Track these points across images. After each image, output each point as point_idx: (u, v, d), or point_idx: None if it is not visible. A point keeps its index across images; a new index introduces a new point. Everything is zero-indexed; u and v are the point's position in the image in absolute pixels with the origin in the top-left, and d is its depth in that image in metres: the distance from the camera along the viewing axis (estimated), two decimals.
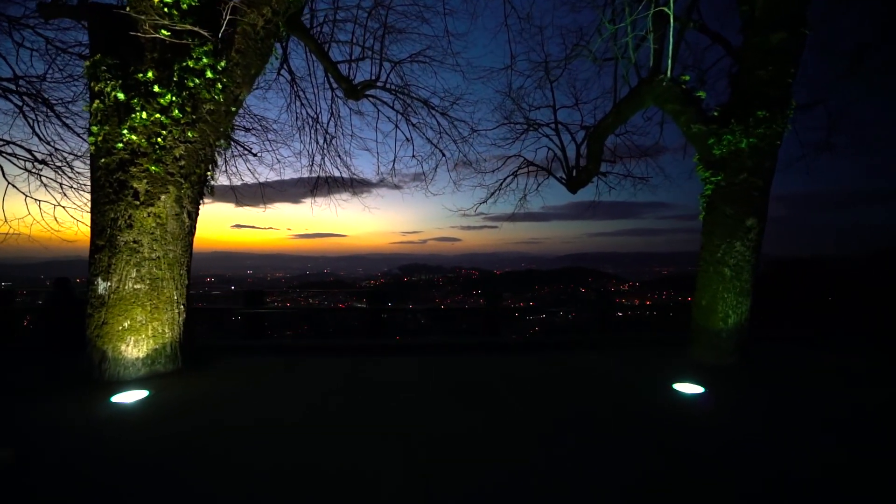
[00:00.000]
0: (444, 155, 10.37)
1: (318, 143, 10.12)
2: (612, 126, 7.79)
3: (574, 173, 9.38)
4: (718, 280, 5.98)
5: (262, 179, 10.08)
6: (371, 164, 10.58)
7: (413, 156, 10.42)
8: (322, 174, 10.34)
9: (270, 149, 11.41)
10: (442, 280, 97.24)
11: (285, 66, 9.70)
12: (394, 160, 10.47)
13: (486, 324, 9.16)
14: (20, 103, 7.85)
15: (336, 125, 10.24)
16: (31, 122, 7.90)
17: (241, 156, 10.03)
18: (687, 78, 6.37)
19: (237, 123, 9.69)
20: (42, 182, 7.95)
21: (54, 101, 7.92)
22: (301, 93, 9.81)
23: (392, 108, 9.89)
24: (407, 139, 10.19)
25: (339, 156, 10.22)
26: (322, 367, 5.82)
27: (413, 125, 10.04)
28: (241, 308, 8.85)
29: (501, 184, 10.46)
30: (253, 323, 8.71)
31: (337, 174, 10.27)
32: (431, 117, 9.97)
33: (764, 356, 6.39)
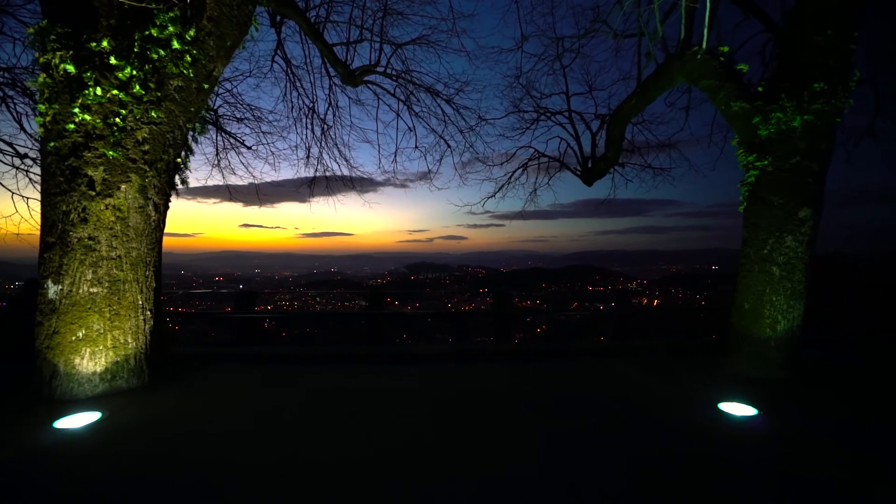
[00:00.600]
0: (448, 146, 9.54)
1: (314, 134, 9.35)
2: (635, 108, 7.01)
3: (589, 164, 8.63)
4: (765, 280, 5.18)
5: (256, 173, 9.74)
6: (372, 157, 9.67)
7: (416, 147, 9.55)
8: (319, 168, 9.58)
9: (266, 142, 10.85)
10: (448, 279, 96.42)
11: (279, 53, 9.01)
12: (395, 151, 9.70)
13: (496, 328, 8.43)
14: (2, 95, 7.30)
15: (334, 115, 9.52)
16: (16, 115, 7.34)
17: (233, 148, 9.31)
18: (726, 49, 5.56)
19: (227, 113, 9.02)
20: (30, 179, 7.34)
21: None
22: (297, 81, 9.10)
23: (393, 95, 9.15)
24: (409, 129, 9.50)
25: (338, 147, 9.55)
26: (309, 382, 5.10)
27: (416, 114, 9.29)
28: (231, 312, 8.16)
29: (511, 176, 9.69)
30: (244, 328, 8.02)
31: (335, 168, 9.61)
32: (436, 105, 9.24)
33: (813, 365, 5.58)
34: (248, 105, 9.18)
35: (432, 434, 3.59)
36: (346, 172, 9.57)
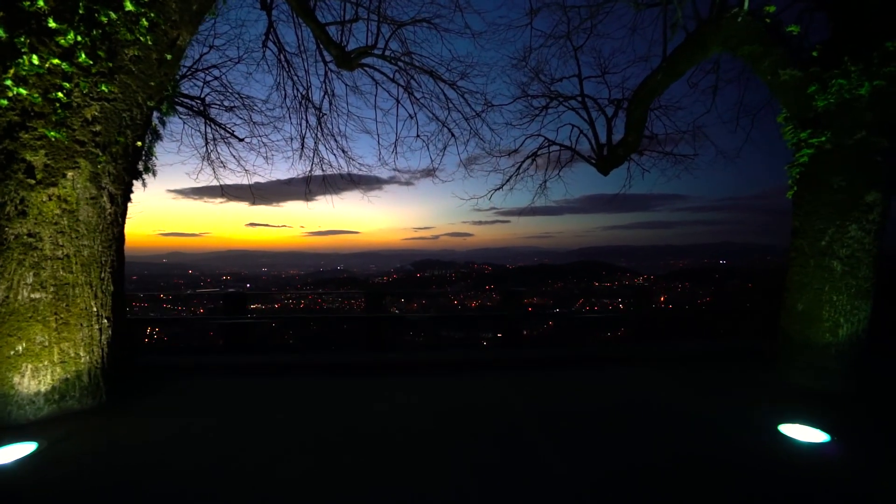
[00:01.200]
0: (453, 135, 8.76)
1: (308, 123, 8.58)
2: (661, 84, 6.26)
3: (605, 151, 7.90)
4: (823, 277, 4.43)
5: (249, 167, 9.07)
6: (372, 149, 8.95)
7: (417, 136, 8.72)
8: (316, 161, 8.86)
9: (259, 134, 9.95)
10: (454, 275, 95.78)
11: (271, 38, 8.29)
12: (395, 141, 8.89)
13: (506, 332, 7.73)
14: None
15: (330, 104, 8.93)
16: None
17: (223, 140, 8.65)
18: (772, 9, 4.79)
19: (216, 102, 8.35)
20: None
21: None
22: (290, 68, 8.38)
23: (392, 80, 8.35)
24: (410, 116, 8.69)
25: (335, 138, 8.73)
26: (291, 398, 4.44)
27: (417, 100, 8.51)
28: (214, 318, 7.54)
29: (519, 167, 8.91)
30: (233, 334, 7.39)
31: (332, 160, 9.06)
32: (438, 90, 8.45)
33: (882, 377, 4.81)
34: (239, 94, 8.47)
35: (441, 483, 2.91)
36: (343, 164, 9.10)
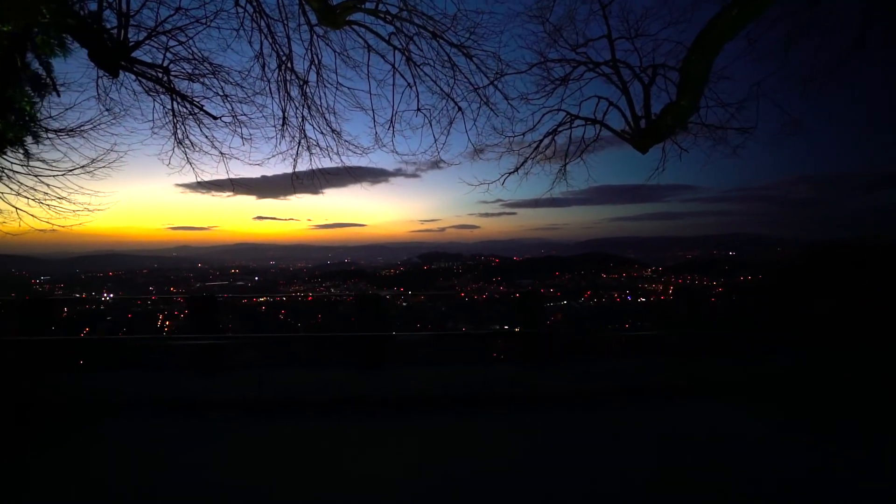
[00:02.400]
0: (459, 109, 7.28)
1: (290, 97, 6.94)
2: (736, 23, 4.92)
3: (643, 124, 6.61)
4: None
5: (225, 149, 7.12)
6: (367, 128, 7.52)
7: (418, 109, 7.18)
8: (302, 143, 7.36)
9: (238, 112, 7.77)
10: (461, 268, 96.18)
11: None
12: (392, 116, 7.25)
13: (526, 350, 7.05)
14: None
15: (318, 75, 6.99)
16: None
17: (193, 115, 7.03)
18: None
19: (182, 71, 6.74)
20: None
21: None
22: (270, 32, 6.91)
23: (388, 42, 6.82)
24: (409, 85, 7.07)
25: (324, 116, 7.17)
26: (247, 457, 3.80)
27: (417, 67, 7.05)
28: (175, 337, 6.94)
29: (538, 145, 7.66)
30: (198, 354, 6.74)
31: (320, 139, 7.33)
32: (443, 57, 6.96)
33: None
34: (208, 61, 6.80)
35: None
36: (332, 144, 7.31)
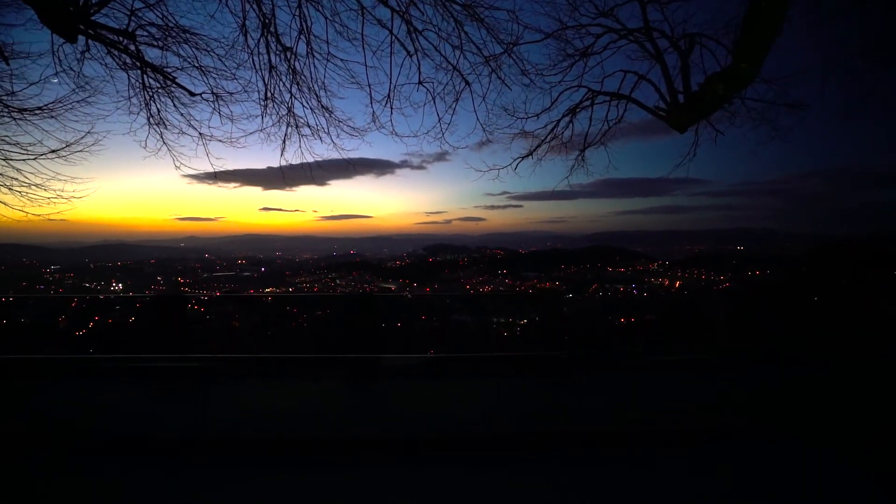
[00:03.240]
0: (467, 83, 6.00)
1: (276, 69, 5.72)
2: None
3: (680, 98, 5.46)
4: None
5: (204, 130, 6.08)
6: (362, 106, 6.25)
7: (420, 83, 5.92)
8: (290, 121, 6.22)
9: (227, 90, 6.29)
10: (467, 260, 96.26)
11: None
12: (390, 91, 5.94)
13: (544, 363, 5.94)
14: None
15: (308, 46, 5.68)
16: None
17: (163, 88, 5.84)
18: None
19: (145, 37, 5.47)
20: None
21: None
22: None
23: (385, 4, 5.50)
24: (409, 54, 5.77)
25: (315, 91, 6.00)
26: None
27: (418, 32, 5.76)
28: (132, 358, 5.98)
29: (556, 125, 6.69)
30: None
31: (309, 116, 6.16)
32: (448, 21, 5.67)
33: None
34: (183, 28, 5.56)
35: None
36: (323, 123, 6.22)
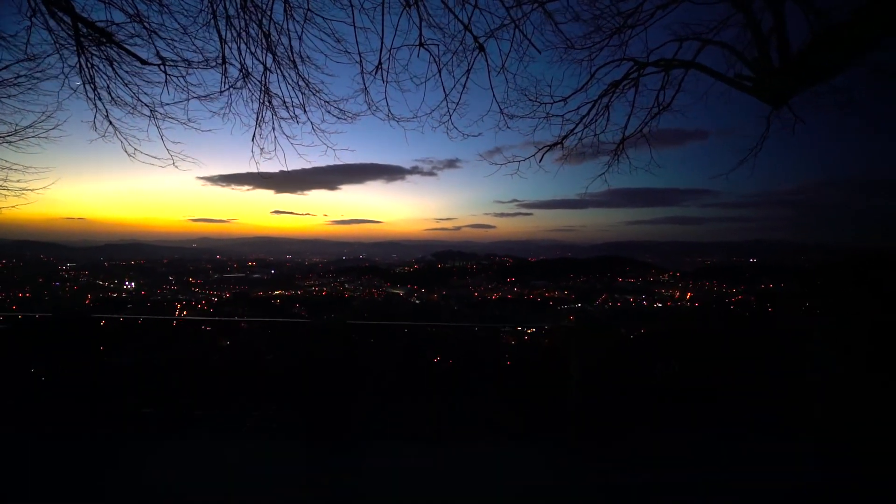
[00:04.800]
0: (480, 48, 4.15)
1: (247, 32, 4.04)
2: None
3: (775, 61, 4.00)
4: None
5: (158, 108, 4.63)
6: (350, 80, 4.35)
7: (420, 44, 4.05)
8: (263, 98, 4.54)
9: (184, 59, 4.49)
10: (475, 267, 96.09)
11: None
12: (381, 57, 4.08)
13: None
14: None
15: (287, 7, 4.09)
16: None
17: (97, 47, 4.27)
18: None
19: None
20: None
21: None
22: None
23: None
24: (407, 6, 3.94)
25: (293, 61, 4.25)
26: None
27: None
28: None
29: (594, 105, 5.11)
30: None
31: (288, 93, 4.48)
32: None
33: None
34: None
35: None
36: (297, 99, 4.51)
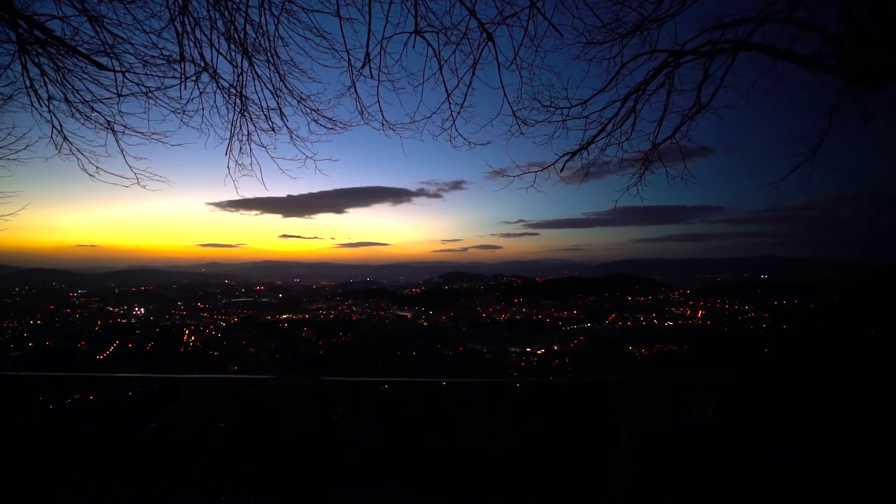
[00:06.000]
0: (488, 36, 3.19)
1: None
2: None
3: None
4: None
5: (115, 118, 3.69)
6: (332, 76, 3.57)
7: (416, 32, 3.10)
8: (238, 104, 3.79)
9: (145, 56, 3.57)
10: (483, 287, 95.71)
11: None
12: (369, 48, 3.19)
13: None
14: None
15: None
16: None
17: (38, 44, 3.40)
18: None
19: None
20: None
21: None
22: None
23: None
24: None
25: (273, 63, 3.50)
26: None
27: None
28: None
29: (623, 104, 4.35)
30: None
31: (262, 97, 3.72)
32: None
33: None
34: None
35: None
36: (269, 101, 3.75)
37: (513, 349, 47.86)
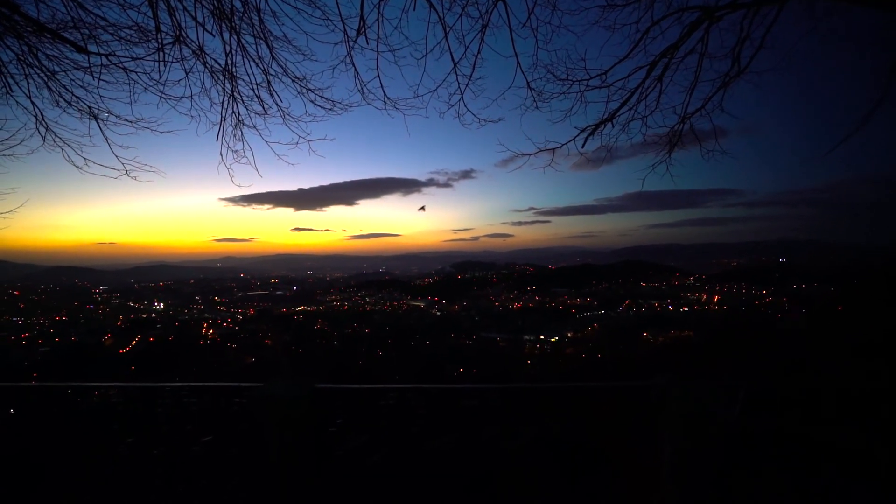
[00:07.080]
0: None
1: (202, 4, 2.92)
2: None
3: None
4: None
5: (98, 103, 3.35)
6: (326, 49, 3.16)
7: None
8: (227, 84, 3.40)
9: (123, 37, 3.25)
10: (496, 277, 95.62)
11: None
12: (364, 13, 2.89)
13: None
14: None
15: None
16: None
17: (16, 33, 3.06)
18: None
19: None
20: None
21: None
22: None
23: None
24: None
25: (262, 34, 3.12)
26: None
27: None
28: None
29: (649, 73, 3.73)
30: None
31: (253, 75, 3.38)
32: None
33: None
34: None
35: None
36: (258, 77, 3.39)
37: (527, 337, 47.97)
